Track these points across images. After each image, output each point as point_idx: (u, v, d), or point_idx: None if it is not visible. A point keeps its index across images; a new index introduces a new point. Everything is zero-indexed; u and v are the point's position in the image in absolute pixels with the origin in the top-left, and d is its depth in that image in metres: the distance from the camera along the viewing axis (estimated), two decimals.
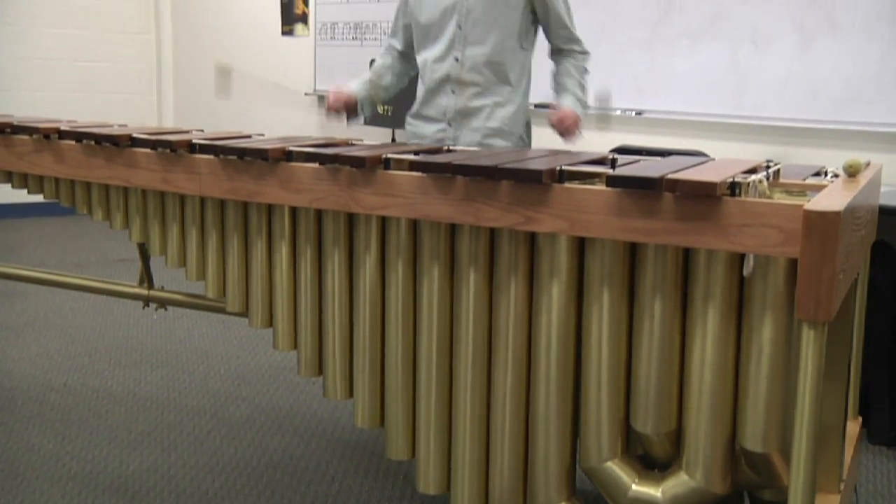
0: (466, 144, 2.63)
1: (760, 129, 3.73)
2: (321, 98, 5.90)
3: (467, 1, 2.59)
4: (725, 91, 3.81)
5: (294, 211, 2.07)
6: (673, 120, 4.02)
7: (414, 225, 1.90)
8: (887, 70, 3.33)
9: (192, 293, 2.81)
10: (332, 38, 5.74)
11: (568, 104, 2.63)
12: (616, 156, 2.00)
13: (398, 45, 2.84)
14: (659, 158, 2.01)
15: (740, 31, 3.74)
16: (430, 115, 2.70)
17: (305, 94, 5.99)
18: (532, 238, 1.75)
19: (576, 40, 2.71)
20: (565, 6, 2.69)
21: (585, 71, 2.73)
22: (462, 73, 2.62)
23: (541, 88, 2.81)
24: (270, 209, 2.11)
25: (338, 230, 2.00)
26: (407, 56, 2.84)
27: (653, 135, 4.08)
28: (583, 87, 2.70)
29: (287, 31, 6.17)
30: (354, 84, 2.78)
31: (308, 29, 5.99)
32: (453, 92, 2.64)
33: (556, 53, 2.74)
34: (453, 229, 1.84)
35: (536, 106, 2.91)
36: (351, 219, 1.99)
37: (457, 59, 2.62)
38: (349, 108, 2.74)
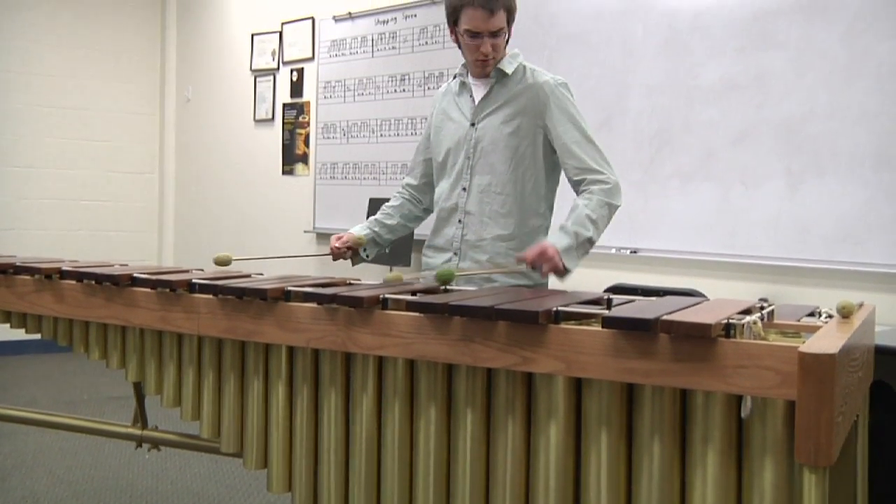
0: (471, 277, 2.56)
1: (752, 267, 3.78)
2: (320, 236, 6.00)
3: (476, 131, 2.60)
4: (717, 230, 3.88)
5: (291, 350, 2.07)
6: (667, 258, 4.08)
7: (411, 365, 1.89)
8: (874, 212, 3.41)
9: (186, 433, 2.77)
10: (331, 177, 5.88)
11: (552, 239, 2.38)
12: (611, 296, 2.02)
13: (414, 180, 2.83)
14: (654, 298, 2.03)
15: (730, 172, 3.84)
16: (439, 245, 2.68)
17: (305, 232, 6.08)
18: (529, 378, 1.74)
19: (589, 170, 2.46)
20: (577, 131, 2.50)
21: (599, 204, 2.42)
22: (467, 203, 2.61)
23: None
24: (268, 349, 2.11)
25: (335, 370, 2.00)
26: (421, 190, 2.83)
27: (647, 273, 4.13)
28: (580, 220, 2.38)
29: (288, 170, 6.32)
30: (359, 227, 2.79)
31: (308, 168, 6.14)
32: (460, 222, 2.62)
33: (575, 189, 2.52)
34: (450, 369, 1.84)
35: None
36: (348, 358, 1.99)
37: (464, 189, 2.61)
38: (352, 249, 2.74)
